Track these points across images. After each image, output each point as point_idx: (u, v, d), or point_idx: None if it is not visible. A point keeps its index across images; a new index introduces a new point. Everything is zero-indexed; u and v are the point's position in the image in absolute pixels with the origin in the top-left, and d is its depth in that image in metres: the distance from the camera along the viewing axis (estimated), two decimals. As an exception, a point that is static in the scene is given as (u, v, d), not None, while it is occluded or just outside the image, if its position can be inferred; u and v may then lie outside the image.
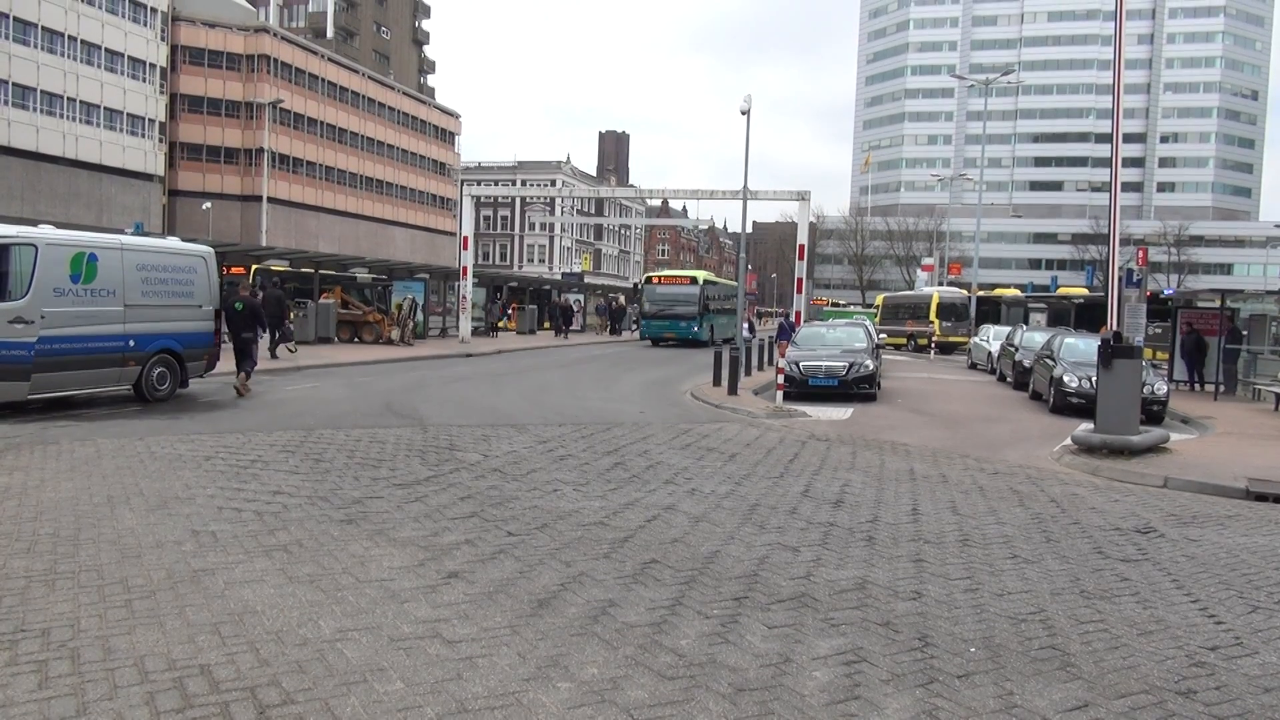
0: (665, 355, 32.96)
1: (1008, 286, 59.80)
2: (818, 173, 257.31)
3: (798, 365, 18.37)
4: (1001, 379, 25.68)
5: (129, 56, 62.32)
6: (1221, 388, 21.32)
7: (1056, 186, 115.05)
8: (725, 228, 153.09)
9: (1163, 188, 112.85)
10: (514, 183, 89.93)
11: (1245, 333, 22.46)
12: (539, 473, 9.34)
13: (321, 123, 77.17)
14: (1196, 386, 22.31)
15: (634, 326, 47.57)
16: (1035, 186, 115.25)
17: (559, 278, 72.58)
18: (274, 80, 70.43)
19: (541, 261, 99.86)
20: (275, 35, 73.07)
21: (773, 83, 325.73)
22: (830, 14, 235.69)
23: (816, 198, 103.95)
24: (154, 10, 64.49)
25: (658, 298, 38.40)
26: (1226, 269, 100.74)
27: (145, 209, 61.52)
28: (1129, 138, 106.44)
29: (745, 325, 28.47)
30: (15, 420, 11.88)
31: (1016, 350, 23.50)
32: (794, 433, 13.40)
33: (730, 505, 8.15)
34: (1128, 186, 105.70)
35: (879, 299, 58.63)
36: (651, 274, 40.17)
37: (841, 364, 18.54)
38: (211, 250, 15.78)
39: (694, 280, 38.95)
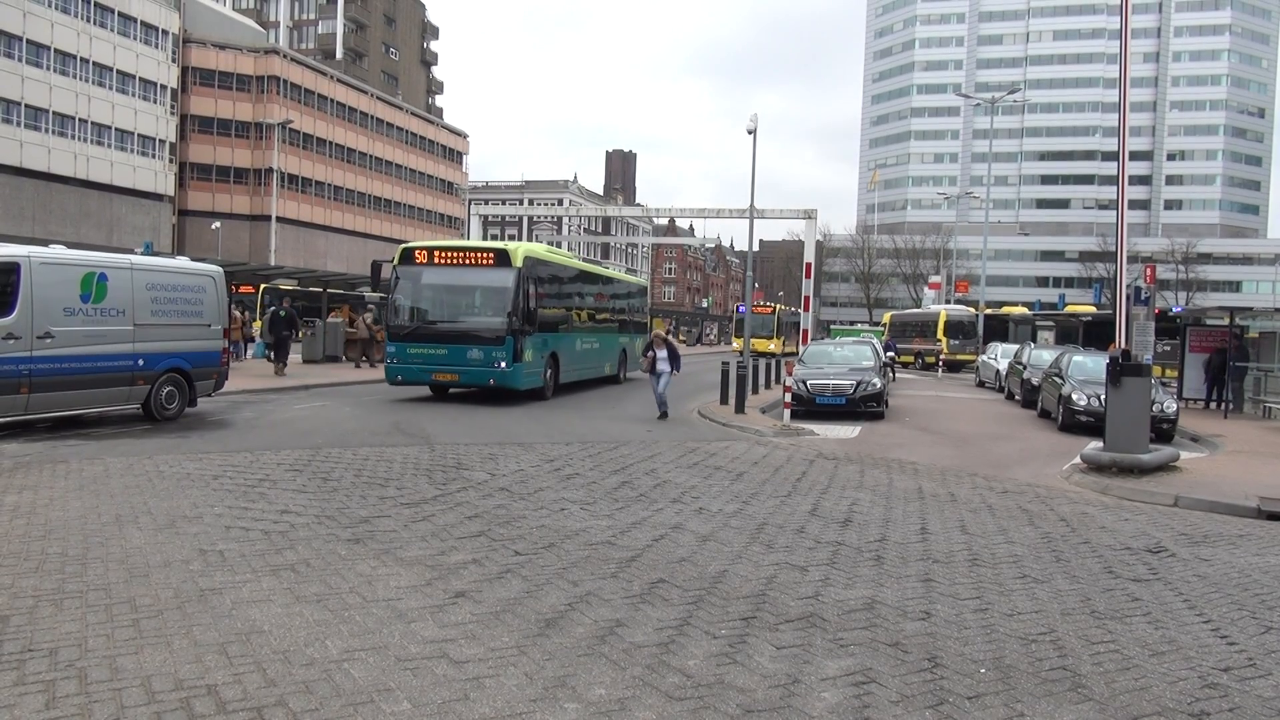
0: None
1: (1015, 304, 59.72)
2: (824, 192, 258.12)
3: (805, 383, 18.34)
4: (1010, 397, 25.59)
5: (140, 78, 62.97)
6: (1230, 405, 21.24)
7: (1063, 204, 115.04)
8: (732, 246, 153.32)
9: (1170, 205, 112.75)
10: (521, 202, 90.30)
11: (1253, 351, 22.38)
12: (546, 491, 9.33)
13: (330, 143, 77.76)
14: (1212, 404, 22.21)
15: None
16: (1042, 204, 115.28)
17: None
18: (283, 101, 71.05)
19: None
20: (285, 56, 73.79)
21: (777, 103, 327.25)
22: (833, 35, 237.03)
23: (823, 216, 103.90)
24: (165, 32, 65.20)
25: (424, 294, 19.17)
26: (1235, 286, 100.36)
27: (155, 229, 61.98)
28: (1136, 156, 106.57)
29: (663, 355, 17.59)
30: (24, 439, 11.92)
31: (1024, 368, 23.45)
32: (801, 451, 13.37)
33: (738, 524, 8.12)
34: (1135, 204, 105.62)
35: (886, 317, 58.58)
36: (414, 245, 19.82)
37: (849, 382, 18.50)
38: (220, 270, 15.87)
39: (502, 258, 18.53)
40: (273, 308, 26.25)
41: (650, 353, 17.75)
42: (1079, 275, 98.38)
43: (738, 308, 62.77)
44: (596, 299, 25.11)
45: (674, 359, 17.66)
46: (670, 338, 18.26)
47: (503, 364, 18.01)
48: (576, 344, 22.50)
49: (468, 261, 18.77)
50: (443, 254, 19.05)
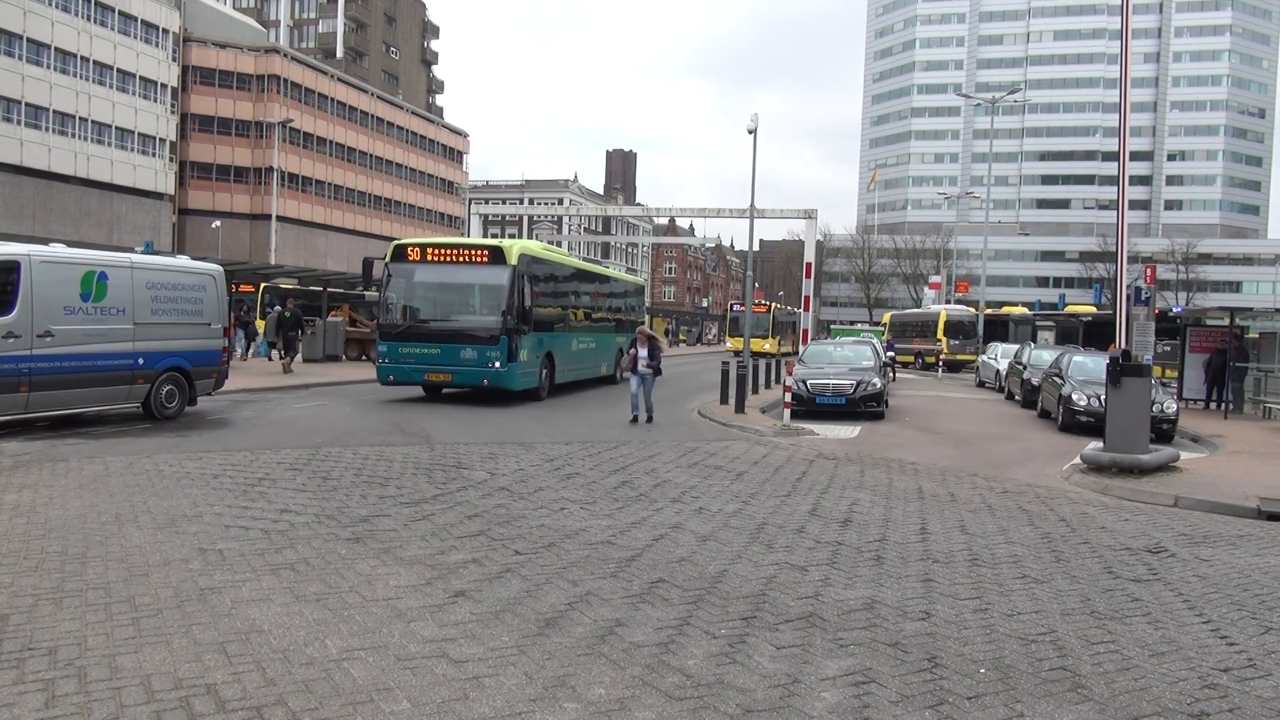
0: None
1: (1015, 304, 59.73)
2: (824, 192, 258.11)
3: (805, 383, 18.34)
4: (1010, 397, 25.60)
5: (141, 77, 62.97)
6: (1230, 406, 21.25)
7: (1064, 204, 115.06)
8: (733, 245, 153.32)
9: (1170, 206, 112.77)
10: (522, 201, 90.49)
11: (1254, 351, 22.39)
12: (546, 491, 9.33)
13: (331, 142, 77.75)
14: (1212, 405, 22.23)
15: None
16: (1042, 204, 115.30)
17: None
18: (284, 100, 71.05)
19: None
20: (285, 56, 73.78)
21: (777, 104, 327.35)
22: (833, 35, 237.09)
23: (823, 216, 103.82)
24: (166, 31, 65.21)
25: (417, 292, 18.83)
26: (1235, 287, 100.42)
27: (155, 228, 61.99)
28: (1136, 156, 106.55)
29: (643, 354, 16.38)
30: (25, 437, 11.92)
31: (1025, 368, 23.46)
32: (801, 451, 13.37)
33: (738, 524, 8.12)
34: (1135, 204, 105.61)
35: (886, 317, 58.53)
36: (407, 242, 19.14)
37: (849, 382, 18.50)
38: (221, 269, 15.87)
39: (497, 256, 18.20)
40: (277, 308, 26.83)
41: (632, 350, 16.63)
42: (1079, 275, 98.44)
43: (732, 306, 59.47)
44: (593, 298, 24.72)
45: (655, 358, 16.53)
46: (655, 336, 17.11)
47: (497, 364, 17.59)
48: (573, 344, 22.10)
49: (462, 259, 18.37)
50: (436, 251, 18.59)
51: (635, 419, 16.13)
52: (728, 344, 55.31)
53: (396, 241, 19.28)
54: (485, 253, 18.31)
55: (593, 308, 24.59)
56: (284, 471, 9.86)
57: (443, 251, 18.57)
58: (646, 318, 27.38)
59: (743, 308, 54.13)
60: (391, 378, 18.35)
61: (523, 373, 18.39)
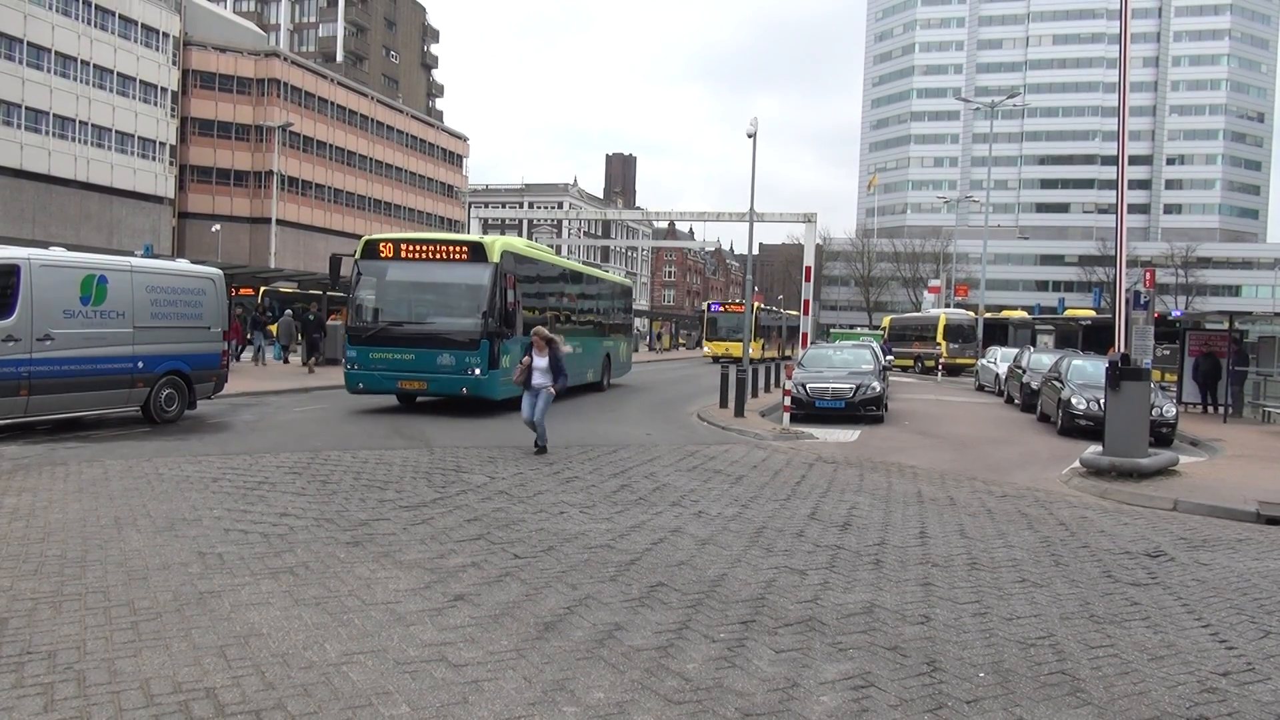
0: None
1: (1015, 308, 59.73)
2: (824, 196, 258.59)
3: (804, 387, 18.35)
4: (1009, 401, 25.61)
5: (141, 81, 63.00)
6: (1229, 410, 21.25)
7: (1063, 208, 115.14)
8: (732, 249, 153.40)
9: (1170, 209, 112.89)
10: (521, 205, 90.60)
11: (1253, 355, 22.39)
12: (545, 495, 9.33)
13: (330, 145, 77.79)
14: (1210, 409, 22.25)
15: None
16: (1042, 208, 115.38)
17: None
18: (284, 104, 71.09)
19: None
20: (285, 60, 73.85)
21: (777, 108, 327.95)
22: (832, 39, 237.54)
23: (823, 220, 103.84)
24: (166, 35, 65.26)
25: (391, 294, 17.42)
26: (1234, 291, 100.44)
27: (155, 231, 61.98)
28: (1135, 160, 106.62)
29: (539, 363, 12.53)
30: (24, 441, 11.92)
31: (1024, 372, 23.47)
32: (801, 455, 13.37)
33: (737, 528, 8.12)
34: (1134, 208, 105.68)
35: (886, 320, 58.50)
36: (378, 237, 17.77)
37: (848, 386, 18.50)
38: (220, 272, 15.87)
39: (478, 252, 16.84)
40: (288, 312, 27.63)
41: (526, 358, 12.79)
42: (1078, 279, 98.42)
43: (709, 306, 52.73)
44: (580, 299, 23.35)
45: (557, 370, 12.56)
46: (555, 340, 12.90)
47: (477, 370, 16.15)
48: (565, 346, 20.81)
49: (439, 256, 16.89)
50: (411, 247, 17.07)
51: (540, 448, 12.52)
52: (705, 348, 48.64)
53: (367, 237, 18.03)
54: (464, 249, 16.87)
55: (579, 310, 23.26)
56: (283, 475, 9.86)
57: (418, 248, 17.11)
58: (648, 321, 26.12)
59: (721, 308, 50.46)
60: (361, 385, 16.88)
61: (505, 380, 16.28)
